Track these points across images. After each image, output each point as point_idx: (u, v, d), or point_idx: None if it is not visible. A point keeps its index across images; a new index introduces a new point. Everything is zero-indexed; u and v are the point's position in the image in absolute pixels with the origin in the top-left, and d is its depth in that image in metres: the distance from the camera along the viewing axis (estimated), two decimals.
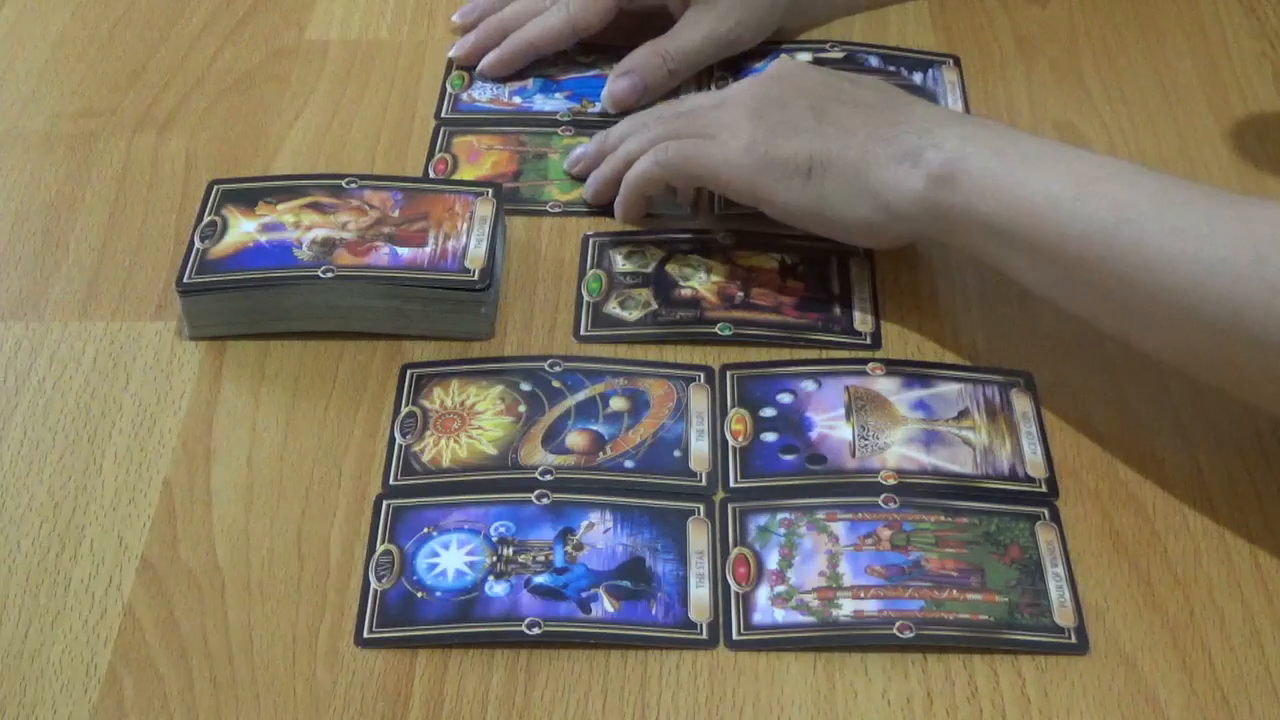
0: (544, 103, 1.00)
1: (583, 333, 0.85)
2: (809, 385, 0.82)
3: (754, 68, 1.01)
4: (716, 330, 0.85)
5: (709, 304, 0.86)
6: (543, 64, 1.02)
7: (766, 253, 0.89)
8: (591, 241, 0.90)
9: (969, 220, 0.79)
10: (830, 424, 0.80)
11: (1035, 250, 0.77)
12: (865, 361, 0.83)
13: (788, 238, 0.90)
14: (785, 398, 0.82)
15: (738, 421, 0.81)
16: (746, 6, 1.00)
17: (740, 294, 0.87)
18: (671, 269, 0.88)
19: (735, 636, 0.72)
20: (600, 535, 0.75)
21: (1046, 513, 0.76)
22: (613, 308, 0.86)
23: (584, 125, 0.97)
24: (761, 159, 0.83)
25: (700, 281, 0.87)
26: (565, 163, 0.95)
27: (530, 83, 1.01)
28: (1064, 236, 0.76)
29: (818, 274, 0.88)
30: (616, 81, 0.98)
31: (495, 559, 0.74)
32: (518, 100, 1.00)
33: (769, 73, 0.89)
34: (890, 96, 0.86)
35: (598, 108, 0.99)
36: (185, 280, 0.84)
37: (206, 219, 0.87)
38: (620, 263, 0.89)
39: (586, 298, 0.87)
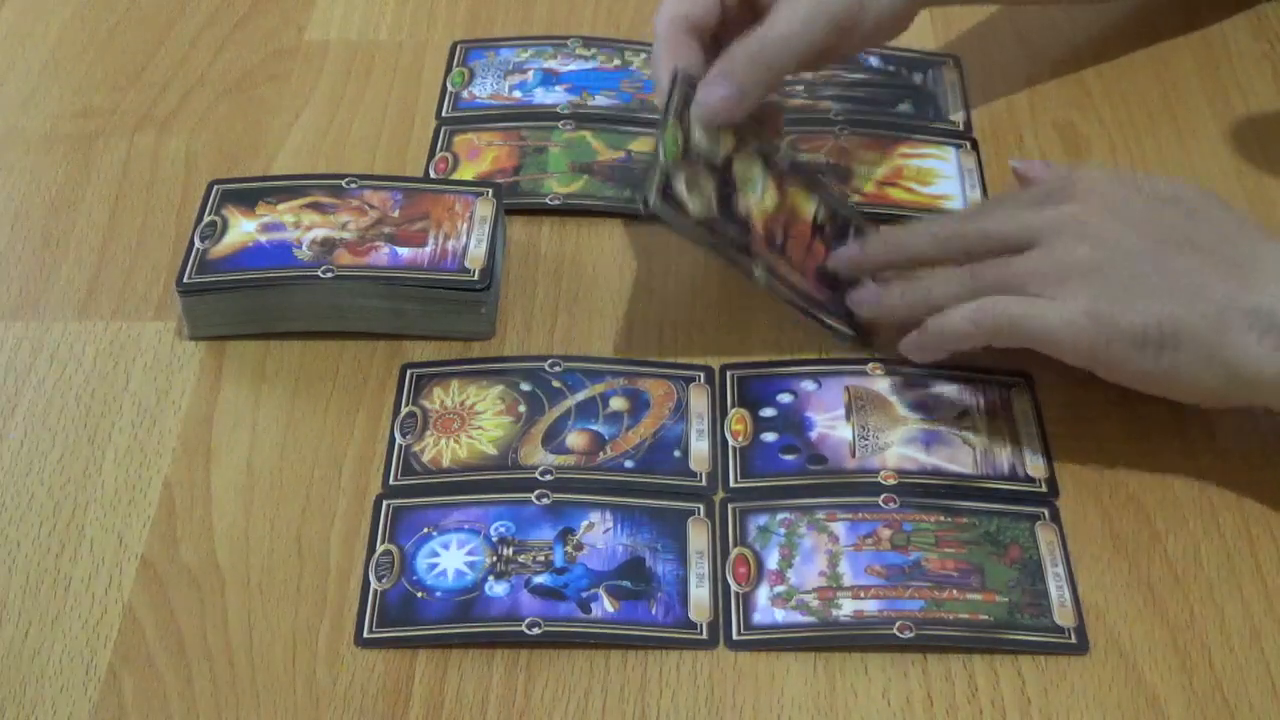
0: (544, 96, 1.00)
1: (652, 204, 0.78)
2: (809, 385, 0.82)
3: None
4: (755, 270, 0.81)
5: (755, 234, 0.82)
6: (542, 57, 1.02)
7: (809, 192, 0.86)
8: (680, 77, 0.82)
9: None
10: (830, 424, 0.80)
11: None
12: (865, 361, 0.83)
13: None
14: (785, 398, 0.82)
15: (738, 421, 0.81)
16: None
17: (781, 237, 0.84)
18: (738, 168, 0.84)
19: (735, 636, 0.72)
20: (600, 535, 0.75)
21: (1046, 513, 0.76)
22: (680, 186, 0.80)
23: (584, 118, 0.97)
24: (1108, 329, 0.74)
25: (755, 199, 0.83)
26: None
27: (531, 76, 1.01)
28: None
29: (837, 242, 0.86)
30: (708, 89, 0.82)
31: (495, 559, 0.74)
32: (518, 95, 1.00)
33: (1089, 204, 0.77)
34: (1228, 231, 0.77)
35: (598, 100, 0.99)
36: (185, 280, 0.84)
37: (206, 219, 0.87)
38: (698, 134, 0.82)
39: (662, 157, 0.80)
